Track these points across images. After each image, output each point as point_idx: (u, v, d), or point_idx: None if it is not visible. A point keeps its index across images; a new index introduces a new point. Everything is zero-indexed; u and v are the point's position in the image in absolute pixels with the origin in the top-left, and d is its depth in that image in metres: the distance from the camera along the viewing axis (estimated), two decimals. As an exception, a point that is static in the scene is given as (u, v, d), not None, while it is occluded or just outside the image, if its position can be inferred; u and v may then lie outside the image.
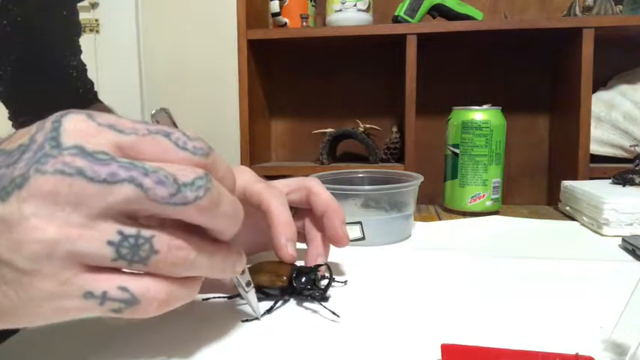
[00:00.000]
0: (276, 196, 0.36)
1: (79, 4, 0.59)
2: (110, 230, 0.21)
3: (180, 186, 0.21)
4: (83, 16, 1.61)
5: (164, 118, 0.26)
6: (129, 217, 0.21)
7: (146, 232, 0.21)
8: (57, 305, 0.21)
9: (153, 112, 0.26)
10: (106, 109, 0.62)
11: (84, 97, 0.61)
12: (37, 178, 0.20)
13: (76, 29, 0.60)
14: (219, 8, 1.55)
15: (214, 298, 0.35)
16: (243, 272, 0.31)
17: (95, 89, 0.63)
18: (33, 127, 0.21)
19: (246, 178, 0.37)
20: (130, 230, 0.21)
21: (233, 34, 1.27)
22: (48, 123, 0.21)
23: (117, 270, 0.22)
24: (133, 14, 1.62)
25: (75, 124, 0.21)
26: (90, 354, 0.28)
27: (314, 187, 0.39)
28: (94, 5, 1.62)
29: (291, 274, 0.35)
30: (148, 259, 0.21)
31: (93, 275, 0.21)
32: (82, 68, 0.62)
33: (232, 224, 0.24)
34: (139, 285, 0.22)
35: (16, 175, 0.20)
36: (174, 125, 0.26)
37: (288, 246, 0.35)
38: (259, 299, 0.35)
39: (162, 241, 0.22)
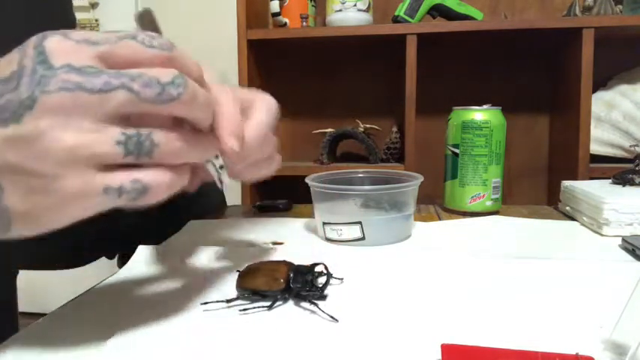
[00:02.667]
0: (224, 91, 0.32)
1: (79, 5, 0.59)
2: (116, 132, 0.24)
3: (164, 85, 0.24)
4: (83, 16, 1.61)
5: (149, 18, 0.29)
6: (125, 120, 0.25)
7: (144, 130, 0.25)
8: (83, 202, 0.24)
9: (137, 13, 0.29)
10: None
11: None
12: (44, 97, 0.22)
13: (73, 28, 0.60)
14: (219, 8, 1.55)
15: (212, 302, 0.35)
16: (217, 157, 0.32)
17: None
18: (14, 55, 0.24)
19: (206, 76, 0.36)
20: (130, 130, 0.24)
21: (233, 34, 1.27)
22: (29, 48, 0.23)
23: (126, 167, 0.25)
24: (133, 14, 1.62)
25: (56, 45, 0.23)
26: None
27: (255, 110, 0.35)
28: (94, 5, 1.62)
29: (288, 277, 0.35)
30: (152, 152, 0.25)
31: (109, 173, 0.24)
32: None
33: (208, 113, 0.28)
34: (147, 176, 0.25)
35: (23, 98, 0.23)
36: (157, 25, 0.29)
37: (231, 140, 0.31)
38: (257, 301, 0.35)
39: (160, 135, 0.25)
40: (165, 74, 0.25)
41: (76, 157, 0.23)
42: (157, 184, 0.25)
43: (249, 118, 0.34)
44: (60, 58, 0.23)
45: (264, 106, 0.35)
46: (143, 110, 0.24)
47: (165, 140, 0.25)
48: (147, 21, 0.28)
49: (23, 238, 0.25)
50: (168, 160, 0.26)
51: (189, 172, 0.28)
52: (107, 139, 0.24)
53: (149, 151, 0.25)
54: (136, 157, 0.25)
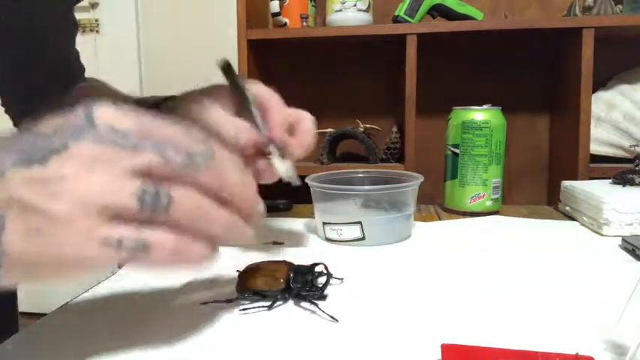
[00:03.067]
0: (273, 101, 0.45)
1: (78, 5, 0.59)
2: (136, 185, 0.24)
3: (192, 156, 0.25)
4: (83, 16, 1.61)
5: (230, 71, 0.41)
6: (149, 177, 0.25)
7: (164, 186, 0.25)
8: (78, 252, 0.23)
9: (221, 62, 0.41)
10: (99, 87, 0.63)
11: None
12: (75, 145, 0.23)
13: (76, 29, 0.60)
14: (219, 8, 1.55)
15: (213, 302, 0.35)
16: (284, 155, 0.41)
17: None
18: (63, 116, 0.25)
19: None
20: (151, 186, 0.24)
21: (233, 34, 1.27)
22: (79, 111, 0.25)
23: (137, 221, 0.24)
24: (133, 14, 1.62)
25: (104, 111, 0.25)
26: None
27: (304, 124, 0.46)
28: (94, 5, 1.62)
29: (288, 277, 0.35)
30: (168, 208, 0.25)
31: (115, 225, 0.24)
32: (80, 67, 0.62)
33: (240, 187, 0.28)
34: (152, 233, 0.25)
35: (55, 145, 0.24)
36: (239, 78, 0.42)
37: (279, 131, 0.43)
38: (257, 301, 0.35)
39: (179, 192, 0.25)
40: (194, 146, 0.26)
41: (91, 201, 0.23)
42: (160, 244, 0.25)
43: (302, 127, 0.45)
44: (104, 120, 0.24)
45: (309, 120, 0.46)
46: (168, 174, 0.25)
47: (181, 196, 0.25)
48: (230, 73, 0.38)
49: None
50: (182, 219, 0.25)
51: (210, 250, 0.27)
52: (126, 191, 0.24)
53: (165, 206, 0.25)
54: (150, 212, 0.24)
